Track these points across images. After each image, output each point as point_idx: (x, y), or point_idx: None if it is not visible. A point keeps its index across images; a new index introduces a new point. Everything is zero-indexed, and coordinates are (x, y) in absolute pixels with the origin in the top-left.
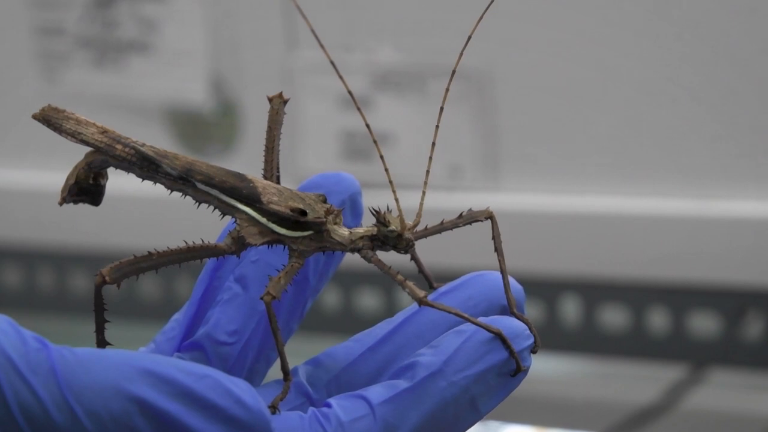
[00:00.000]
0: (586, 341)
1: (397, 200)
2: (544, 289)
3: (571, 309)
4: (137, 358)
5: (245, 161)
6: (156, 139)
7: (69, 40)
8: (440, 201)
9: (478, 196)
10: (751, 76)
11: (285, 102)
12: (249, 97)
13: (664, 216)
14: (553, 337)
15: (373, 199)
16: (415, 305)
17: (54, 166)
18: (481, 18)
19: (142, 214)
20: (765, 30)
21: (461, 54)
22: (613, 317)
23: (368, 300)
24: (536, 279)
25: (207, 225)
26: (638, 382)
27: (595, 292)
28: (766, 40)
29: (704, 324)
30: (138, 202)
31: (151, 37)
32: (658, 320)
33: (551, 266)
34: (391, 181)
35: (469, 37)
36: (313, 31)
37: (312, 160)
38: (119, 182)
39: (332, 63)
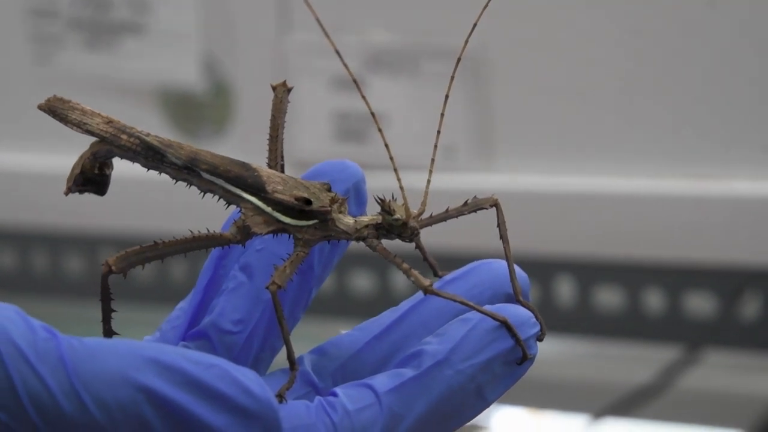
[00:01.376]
0: (581, 322)
1: (402, 188)
2: (539, 270)
3: (566, 289)
4: (145, 348)
5: (238, 142)
6: (149, 120)
7: (62, 22)
8: (435, 182)
9: (473, 177)
10: (751, 57)
11: (289, 90)
12: (241, 78)
13: (659, 196)
14: (547, 318)
15: (367, 181)
16: (420, 293)
17: (47, 149)
18: (486, 6)
19: (136, 196)
20: (754, 11)
21: (466, 42)
22: (609, 298)
23: (362, 281)
24: (531, 259)
25: (202, 206)
26: (634, 363)
27: (590, 272)
28: (755, 23)
29: (700, 304)
30: (132, 184)
31: (143, 18)
32: (654, 301)
33: (546, 247)
34: (395, 169)
35: (474, 25)
36: (313, 12)
37: (306, 141)
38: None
39: (329, 39)
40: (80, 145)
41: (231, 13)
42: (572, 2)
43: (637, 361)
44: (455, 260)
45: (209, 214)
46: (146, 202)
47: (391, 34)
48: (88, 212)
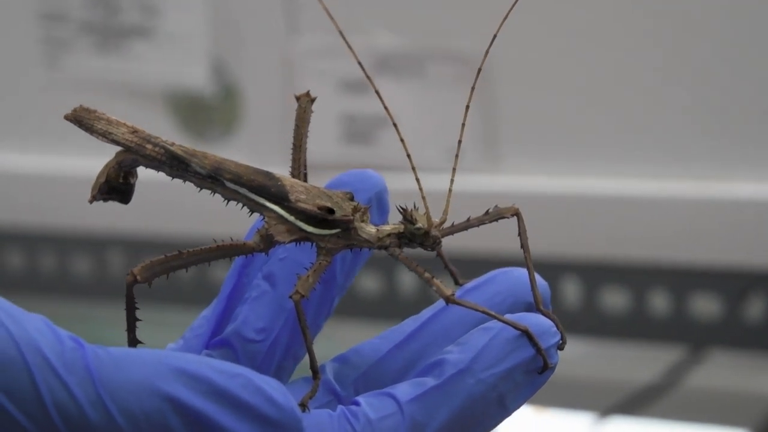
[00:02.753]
0: (587, 322)
1: (423, 198)
2: (545, 271)
3: (571, 290)
4: (170, 357)
5: (246, 145)
6: (157, 122)
7: (72, 26)
8: (440, 183)
9: (478, 179)
10: (755, 58)
11: (312, 100)
12: (250, 81)
13: (664, 197)
14: None
15: None
16: (441, 302)
17: (57, 151)
18: (506, 17)
19: (143, 197)
20: (759, 15)
21: (486, 54)
22: (614, 299)
23: (370, 283)
24: (537, 261)
25: (211, 208)
26: (639, 363)
27: (596, 273)
28: (759, 25)
29: (704, 305)
30: (141, 185)
31: (152, 21)
32: (659, 301)
33: (552, 248)
34: (417, 179)
35: (495, 36)
36: (329, 14)
37: (313, 143)
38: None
39: (345, 40)
40: (89, 147)
41: (239, 16)
42: (577, 5)
43: (643, 361)
44: (472, 264)
45: (216, 214)
46: (153, 204)
47: (397, 37)
48: (96, 214)
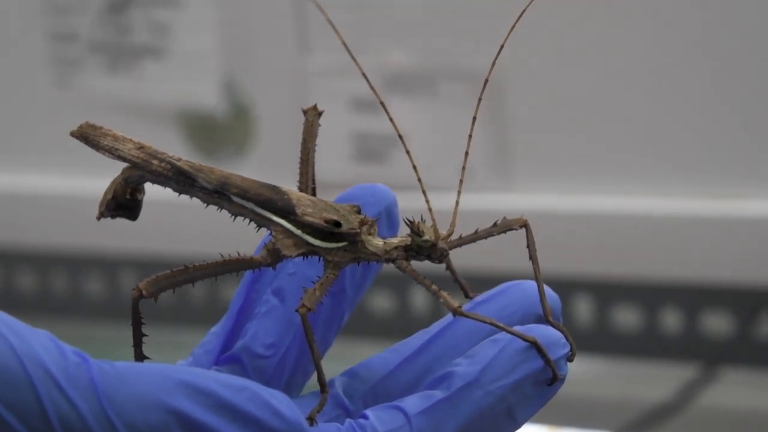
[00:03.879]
0: (599, 341)
1: (430, 210)
2: (557, 289)
3: (583, 309)
4: (175, 371)
5: (258, 163)
6: (169, 142)
7: (82, 46)
8: (452, 201)
9: (490, 197)
10: (763, 74)
11: (320, 114)
12: (261, 100)
13: (676, 216)
14: None
15: None
16: (450, 315)
17: (68, 171)
18: (513, 27)
19: (152, 217)
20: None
21: (494, 63)
22: (626, 317)
23: (383, 301)
24: (548, 279)
25: (221, 228)
26: (651, 382)
27: (608, 291)
28: None
29: (717, 323)
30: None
31: (163, 41)
32: (671, 320)
33: (563, 266)
34: (424, 191)
35: (501, 46)
36: (339, 35)
37: (325, 161)
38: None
39: (354, 60)
40: (100, 166)
41: (250, 35)
42: (589, 26)
43: (655, 380)
44: (483, 280)
45: (225, 234)
46: (163, 224)
47: (409, 56)
48: (107, 234)
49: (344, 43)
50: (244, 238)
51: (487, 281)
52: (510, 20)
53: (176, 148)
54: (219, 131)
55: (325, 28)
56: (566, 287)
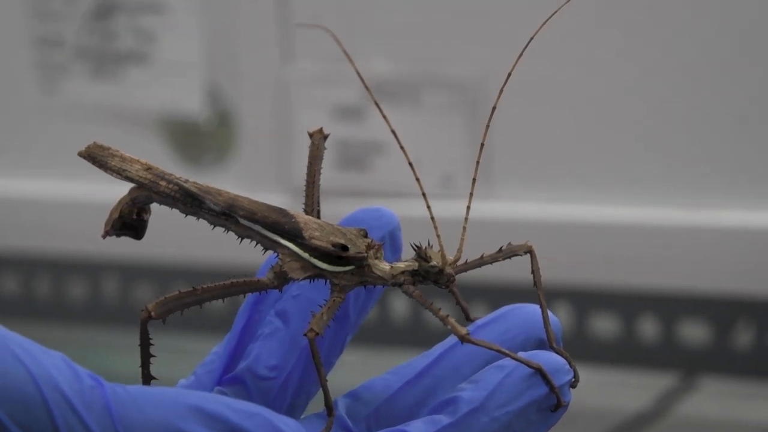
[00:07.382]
0: (578, 349)
1: (438, 236)
2: (535, 297)
3: (562, 317)
4: (188, 396)
5: (240, 171)
6: (152, 148)
7: (67, 51)
8: (433, 210)
9: (471, 205)
10: (746, 86)
11: (326, 137)
12: (245, 107)
13: (654, 225)
14: None
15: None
16: (451, 338)
17: (52, 176)
18: (521, 55)
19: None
20: (761, 41)
21: (500, 92)
22: (604, 325)
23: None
24: (527, 287)
25: (204, 234)
26: (629, 390)
27: (586, 300)
28: (762, 51)
29: (695, 332)
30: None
31: (148, 48)
32: (649, 328)
33: (542, 274)
34: (429, 209)
35: (509, 75)
36: (337, 42)
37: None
38: (117, 189)
39: (352, 62)
40: (83, 172)
41: (234, 43)
42: (573, 34)
43: (633, 388)
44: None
45: (204, 239)
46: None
47: (392, 65)
48: (91, 237)
49: (344, 51)
50: (222, 242)
51: (484, 292)
52: (493, 30)
53: (159, 155)
54: (202, 138)
55: (308, 38)
56: (545, 295)
